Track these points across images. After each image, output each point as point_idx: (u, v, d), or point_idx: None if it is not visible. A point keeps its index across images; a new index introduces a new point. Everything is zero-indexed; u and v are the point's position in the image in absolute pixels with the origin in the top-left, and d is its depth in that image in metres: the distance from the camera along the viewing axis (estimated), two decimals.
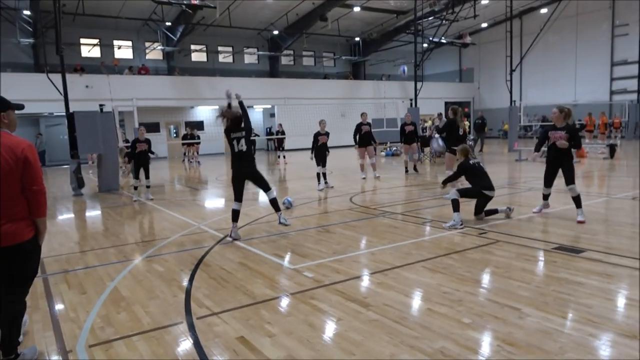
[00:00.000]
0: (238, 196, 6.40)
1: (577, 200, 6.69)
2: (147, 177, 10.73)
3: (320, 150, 11.19)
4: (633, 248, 5.24)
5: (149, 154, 10.61)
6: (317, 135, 11.21)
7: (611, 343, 3.10)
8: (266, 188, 6.58)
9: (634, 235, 5.84)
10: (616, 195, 8.88)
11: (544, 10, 28.70)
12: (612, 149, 15.86)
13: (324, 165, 11.29)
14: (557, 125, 6.72)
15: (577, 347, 3.05)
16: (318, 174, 11.28)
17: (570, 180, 6.68)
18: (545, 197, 7.17)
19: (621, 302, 3.81)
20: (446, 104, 34.93)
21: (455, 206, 6.65)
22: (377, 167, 13.21)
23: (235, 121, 6.24)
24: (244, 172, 6.38)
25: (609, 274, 4.43)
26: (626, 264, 4.68)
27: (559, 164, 6.78)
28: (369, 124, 12.62)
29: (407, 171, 13.65)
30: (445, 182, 7.52)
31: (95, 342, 3.44)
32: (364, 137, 12.40)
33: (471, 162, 7.07)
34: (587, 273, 4.45)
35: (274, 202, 6.72)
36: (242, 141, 6.21)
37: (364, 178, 12.78)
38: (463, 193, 6.90)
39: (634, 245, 5.38)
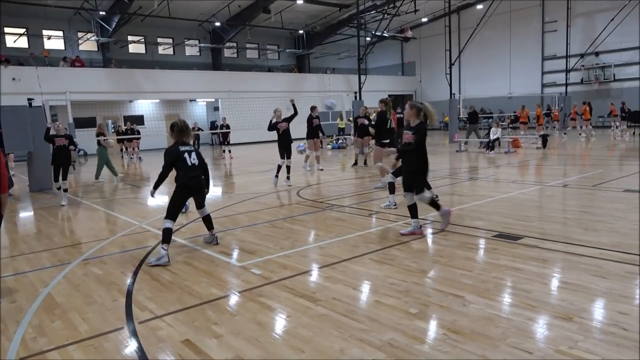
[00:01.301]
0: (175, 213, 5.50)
1: (411, 210, 5.84)
2: (64, 177, 9.57)
3: (283, 139, 10.36)
4: (565, 233, 5.53)
5: (71, 150, 9.74)
6: (275, 125, 10.39)
7: (549, 326, 3.25)
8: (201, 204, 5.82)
9: (565, 221, 6.18)
10: (549, 183, 9.37)
11: (480, 6, 29.84)
12: (545, 139, 16.74)
13: (288, 157, 10.41)
14: (410, 123, 5.82)
15: (518, 332, 3.16)
16: (279, 166, 10.48)
17: (412, 188, 5.77)
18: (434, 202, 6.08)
19: (557, 286, 4.00)
20: (389, 96, 35.68)
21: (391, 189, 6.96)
22: (322, 159, 13.27)
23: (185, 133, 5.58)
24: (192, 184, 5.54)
25: (545, 259, 4.65)
26: (560, 249, 4.93)
27: (407, 167, 5.90)
28: (318, 117, 12.93)
29: (355, 164, 13.77)
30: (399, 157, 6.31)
31: (27, 355, 3.21)
32: (314, 130, 12.78)
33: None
34: (525, 259, 4.65)
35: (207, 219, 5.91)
36: (194, 154, 5.53)
37: (309, 170, 12.82)
38: (397, 174, 6.85)
39: (565, 230, 5.69)
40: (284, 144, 10.46)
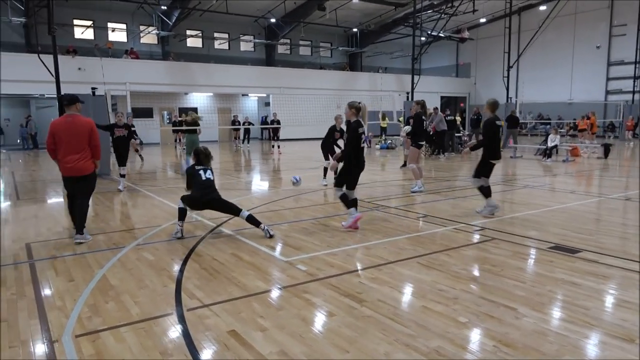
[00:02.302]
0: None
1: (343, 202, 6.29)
2: (122, 164, 10.11)
3: (329, 144, 10.35)
4: (626, 249, 5.22)
5: (133, 139, 10.14)
6: (333, 130, 10.15)
7: (607, 346, 3.07)
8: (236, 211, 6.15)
9: (626, 237, 5.84)
10: (610, 195, 8.88)
11: (543, 8, 28.69)
12: (607, 149, 15.89)
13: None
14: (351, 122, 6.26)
15: (574, 350, 3.01)
16: (325, 169, 10.35)
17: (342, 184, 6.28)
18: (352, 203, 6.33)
19: (617, 304, 3.77)
20: (442, 98, 34.96)
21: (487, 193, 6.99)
22: (369, 159, 13.09)
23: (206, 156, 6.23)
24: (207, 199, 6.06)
25: (604, 275, 4.40)
26: (620, 265, 4.66)
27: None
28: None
29: (405, 165, 13.59)
30: (472, 149, 7.44)
31: (82, 332, 3.36)
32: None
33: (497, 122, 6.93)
34: (582, 274, 4.42)
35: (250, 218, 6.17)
36: (209, 172, 6.16)
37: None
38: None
39: (626, 246, 5.37)
40: (329, 147, 10.40)
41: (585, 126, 20.62)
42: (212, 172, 6.23)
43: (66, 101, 5.98)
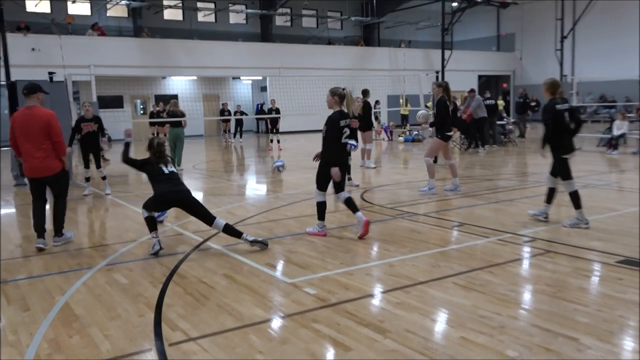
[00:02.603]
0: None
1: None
2: (98, 166, 10.48)
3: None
4: None
5: (101, 136, 10.32)
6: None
7: None
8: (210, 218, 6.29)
9: None
10: None
11: None
12: None
13: (348, 155, 10.78)
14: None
15: None
16: None
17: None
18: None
19: None
20: (479, 77, 34.86)
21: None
22: (392, 155, 13.13)
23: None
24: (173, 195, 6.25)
25: None
26: None
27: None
28: (359, 116, 12.00)
29: (435, 161, 13.58)
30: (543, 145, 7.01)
31: None
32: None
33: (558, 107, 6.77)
34: None
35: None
36: (170, 165, 6.40)
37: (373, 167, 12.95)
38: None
39: None
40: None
41: None
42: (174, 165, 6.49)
43: (25, 90, 6.38)
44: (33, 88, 6.38)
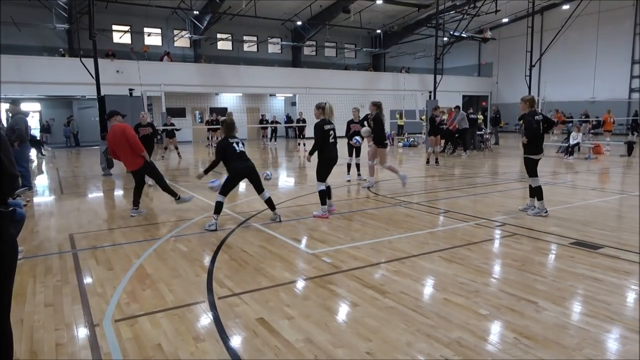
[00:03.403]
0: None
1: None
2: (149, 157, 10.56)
3: (349, 138, 9.89)
4: None
5: (155, 139, 10.47)
6: (349, 123, 10.06)
7: (629, 341, 2.99)
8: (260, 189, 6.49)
9: None
10: (633, 192, 8.60)
11: (566, 7, 27.86)
12: (630, 146, 15.37)
13: (357, 155, 10.21)
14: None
15: (594, 344, 2.94)
16: (348, 165, 10.39)
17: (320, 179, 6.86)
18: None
19: (638, 299, 3.66)
20: (464, 96, 34.37)
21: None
22: (392, 157, 12.98)
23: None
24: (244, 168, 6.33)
25: (627, 271, 4.28)
26: None
27: None
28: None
29: (428, 162, 13.46)
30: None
31: (121, 317, 3.45)
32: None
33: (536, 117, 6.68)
34: (604, 269, 4.31)
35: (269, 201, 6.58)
36: (240, 144, 6.39)
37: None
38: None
39: None
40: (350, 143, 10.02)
41: (610, 126, 20.16)
42: (243, 144, 6.46)
43: (107, 116, 7.32)
44: (111, 114, 7.19)
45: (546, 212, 6.59)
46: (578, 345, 2.92)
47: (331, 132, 6.70)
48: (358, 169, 10.56)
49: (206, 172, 6.32)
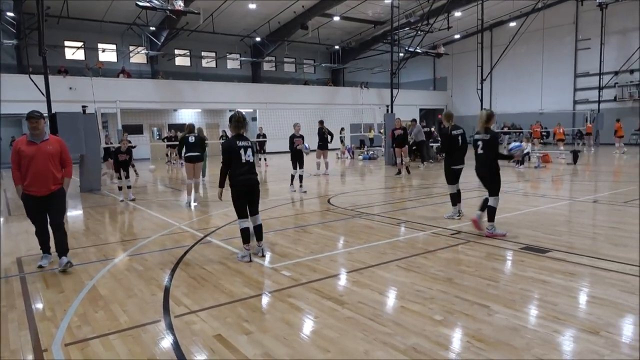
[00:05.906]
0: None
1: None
2: (126, 177, 10.58)
3: (296, 152, 10.98)
4: (594, 248, 5.33)
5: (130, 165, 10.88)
6: (292, 138, 11.05)
7: (574, 339, 3.13)
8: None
9: (594, 236, 5.95)
10: (579, 198, 9.05)
11: (512, 24, 29.29)
12: (575, 155, 16.19)
13: (300, 167, 11.02)
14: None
15: (543, 343, 3.06)
16: (292, 176, 11.12)
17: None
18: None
19: (584, 299, 3.85)
20: (420, 110, 35.33)
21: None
22: (353, 169, 13.06)
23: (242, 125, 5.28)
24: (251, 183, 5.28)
25: (573, 272, 4.49)
26: (588, 264, 4.75)
27: None
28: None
29: (399, 172, 13.75)
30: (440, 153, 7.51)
31: (72, 341, 3.32)
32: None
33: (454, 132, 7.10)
34: (552, 272, 4.50)
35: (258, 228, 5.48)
36: (249, 151, 5.26)
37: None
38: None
39: (594, 245, 5.48)
40: (297, 156, 10.97)
41: (561, 135, 21.29)
42: (253, 152, 5.29)
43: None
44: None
45: (459, 216, 7.18)
46: (527, 346, 3.03)
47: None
48: (301, 181, 10.98)
49: (221, 185, 5.31)
